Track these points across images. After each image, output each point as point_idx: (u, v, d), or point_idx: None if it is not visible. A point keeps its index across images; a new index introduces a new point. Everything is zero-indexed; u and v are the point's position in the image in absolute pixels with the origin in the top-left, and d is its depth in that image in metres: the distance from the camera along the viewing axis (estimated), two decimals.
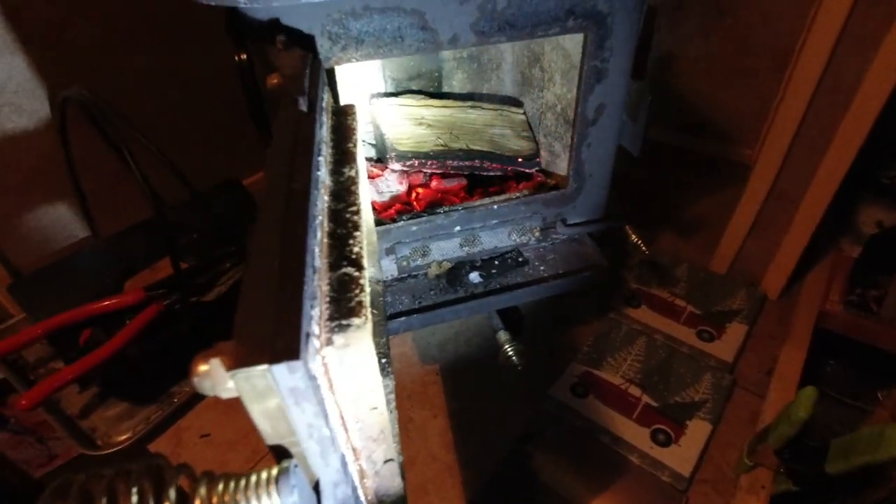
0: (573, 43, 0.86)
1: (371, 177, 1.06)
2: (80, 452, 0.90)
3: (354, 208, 0.43)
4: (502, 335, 0.88)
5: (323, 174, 0.44)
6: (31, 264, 1.14)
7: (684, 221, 1.37)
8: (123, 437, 0.93)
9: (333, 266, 0.37)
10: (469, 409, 0.97)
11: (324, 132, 0.50)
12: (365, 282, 0.37)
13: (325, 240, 0.39)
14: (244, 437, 0.95)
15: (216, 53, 1.27)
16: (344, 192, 0.44)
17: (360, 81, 1.14)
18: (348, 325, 0.33)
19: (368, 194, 0.67)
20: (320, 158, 0.45)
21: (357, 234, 0.40)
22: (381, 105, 1.09)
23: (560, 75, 0.95)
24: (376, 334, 0.65)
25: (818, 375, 1.06)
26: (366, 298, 0.36)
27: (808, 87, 0.91)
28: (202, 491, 0.28)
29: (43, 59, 1.02)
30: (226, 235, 1.17)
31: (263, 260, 0.34)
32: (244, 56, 0.67)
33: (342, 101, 0.73)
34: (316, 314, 0.32)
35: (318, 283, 0.35)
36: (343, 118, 0.56)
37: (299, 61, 0.56)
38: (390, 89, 1.13)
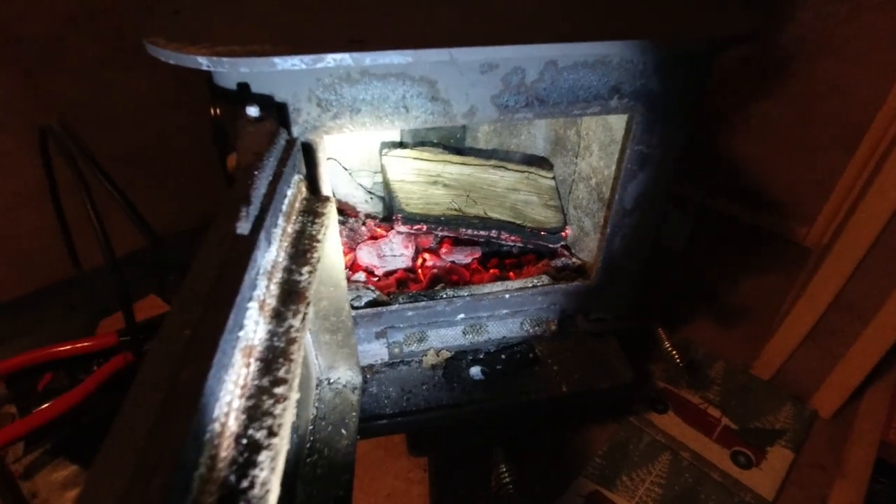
0: (617, 117, 0.73)
1: (374, 237, 0.95)
2: None
3: (282, 389, 0.31)
4: (498, 453, 0.74)
5: (249, 331, 0.32)
6: (12, 294, 1.06)
7: (724, 306, 1.21)
8: None
9: None
10: None
11: (272, 253, 0.38)
12: None
13: (223, 453, 0.27)
14: None
15: None
16: (277, 356, 0.33)
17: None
18: None
19: (342, 271, 0.56)
20: (251, 305, 0.33)
21: (273, 442, 0.28)
22: (393, 157, 0.98)
23: (598, 147, 0.82)
24: (337, 469, 0.53)
25: None
26: None
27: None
28: None
29: (34, 75, 0.95)
30: None
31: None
32: (219, 112, 0.57)
33: (334, 160, 0.63)
34: None
35: None
36: (310, 222, 0.44)
37: (265, 142, 0.45)
38: (406, 138, 1.02)
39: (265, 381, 0.31)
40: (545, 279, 0.83)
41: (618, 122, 0.73)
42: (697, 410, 0.98)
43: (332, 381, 0.64)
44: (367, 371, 0.80)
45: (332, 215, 0.47)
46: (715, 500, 0.85)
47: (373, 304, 0.77)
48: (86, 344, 0.95)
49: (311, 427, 0.59)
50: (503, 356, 0.82)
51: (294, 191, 0.46)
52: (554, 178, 1.01)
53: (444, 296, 0.78)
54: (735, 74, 1.26)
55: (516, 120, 0.63)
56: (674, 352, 0.83)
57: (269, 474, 0.27)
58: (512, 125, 1.03)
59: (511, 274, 0.91)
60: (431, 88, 0.57)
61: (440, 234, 0.93)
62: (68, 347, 0.94)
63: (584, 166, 0.89)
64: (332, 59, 0.47)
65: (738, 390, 1.01)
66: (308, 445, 0.58)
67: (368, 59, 0.48)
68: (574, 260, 0.92)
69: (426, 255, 0.93)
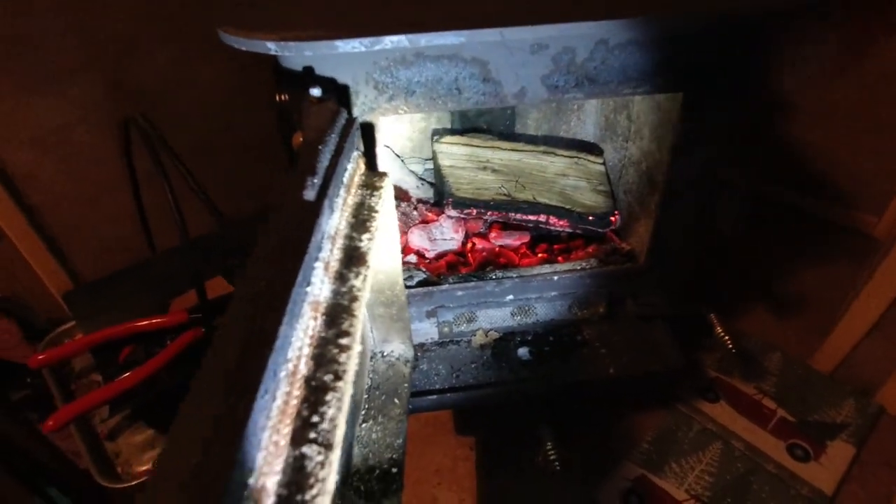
0: (669, 97, 0.73)
1: (426, 221, 0.98)
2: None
3: (346, 340, 0.33)
4: (545, 431, 0.76)
5: (315, 288, 0.35)
6: (94, 274, 1.16)
7: (783, 296, 1.17)
8: (144, 468, 0.90)
9: (295, 440, 0.28)
10: (501, 498, 0.86)
11: (335, 220, 0.41)
12: (330, 470, 0.27)
13: (296, 391, 0.30)
14: None
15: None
16: (340, 312, 0.35)
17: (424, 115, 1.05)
18: None
19: (397, 244, 0.58)
20: (317, 265, 0.36)
21: (339, 385, 0.31)
22: (444, 142, 1.00)
23: (649, 130, 0.82)
24: (391, 434, 0.56)
25: None
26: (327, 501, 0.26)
27: None
28: None
29: (115, 73, 1.03)
30: None
31: (188, 431, 0.25)
32: (285, 97, 0.61)
33: (387, 148, 0.66)
34: None
35: (262, 470, 0.26)
36: (369, 195, 0.47)
37: (327, 120, 0.48)
38: (456, 124, 1.04)
39: (331, 333, 0.34)
40: (594, 262, 0.84)
41: (670, 104, 0.72)
42: (751, 401, 0.95)
43: (385, 353, 0.67)
44: (418, 349, 0.83)
45: (388, 189, 0.49)
46: (769, 492, 0.83)
47: (424, 283, 0.79)
48: (160, 320, 1.03)
49: (365, 396, 0.63)
50: (551, 338, 0.83)
51: (353, 165, 0.49)
52: (604, 163, 1.00)
53: (494, 276, 0.79)
54: (799, 54, 1.21)
55: (566, 100, 0.63)
56: (726, 337, 0.81)
57: (337, 412, 0.30)
58: (561, 111, 1.03)
59: (560, 258, 0.91)
60: (483, 69, 0.58)
61: (490, 218, 0.95)
62: (145, 323, 1.02)
63: (634, 150, 0.88)
64: (389, 42, 0.50)
65: (797, 382, 0.98)
66: (363, 412, 0.61)
67: (424, 39, 0.51)
68: (623, 245, 0.91)
69: (475, 240, 0.95)
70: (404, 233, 0.94)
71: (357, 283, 0.37)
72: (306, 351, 0.32)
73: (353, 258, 0.39)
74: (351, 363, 0.32)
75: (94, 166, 1.07)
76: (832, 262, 1.22)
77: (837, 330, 0.96)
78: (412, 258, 0.90)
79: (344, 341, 0.33)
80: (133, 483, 0.88)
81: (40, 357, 0.98)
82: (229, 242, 1.11)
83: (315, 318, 0.34)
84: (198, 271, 0.94)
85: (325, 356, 0.33)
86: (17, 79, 0.95)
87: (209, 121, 1.18)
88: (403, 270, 0.81)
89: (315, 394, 0.30)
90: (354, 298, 0.36)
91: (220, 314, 1.01)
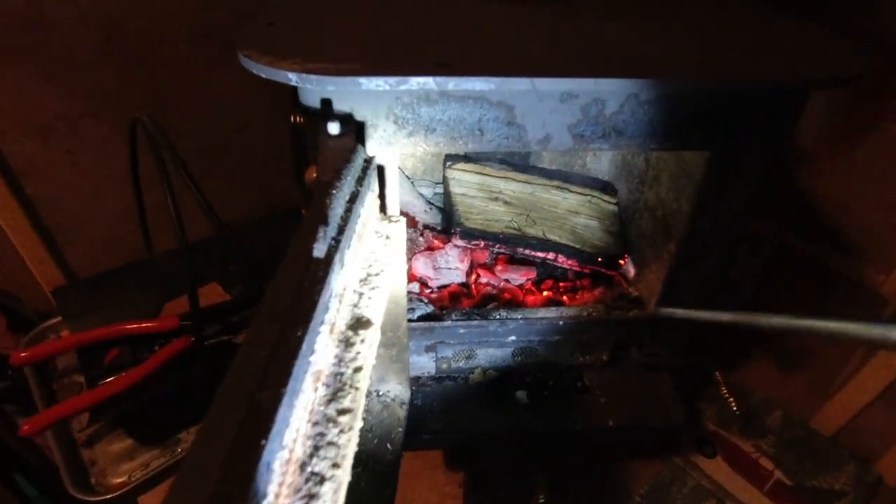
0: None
1: (431, 248, 0.95)
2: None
3: (347, 419, 0.31)
4: (540, 480, 0.73)
5: (319, 355, 0.33)
6: (89, 272, 1.13)
7: (787, 350, 1.14)
8: (119, 480, 0.87)
9: None
10: None
11: (343, 276, 0.39)
12: None
13: (290, 478, 0.28)
14: None
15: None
16: (343, 384, 0.33)
17: None
18: None
19: (404, 287, 0.56)
20: (322, 329, 0.34)
21: (337, 474, 0.28)
22: (456, 169, 0.98)
23: (668, 178, 0.80)
24: (381, 483, 0.54)
25: None
26: None
27: None
28: None
29: (132, 69, 1.01)
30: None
31: None
32: (301, 120, 0.59)
33: (398, 169, 0.63)
34: None
35: None
36: (381, 244, 0.45)
37: (343, 159, 0.46)
38: (470, 152, 1.01)
39: (331, 410, 0.32)
40: (600, 308, 0.81)
41: (693, 156, 0.70)
42: (749, 459, 0.93)
43: (380, 393, 0.65)
44: (414, 383, 0.80)
45: (401, 237, 0.47)
46: None
47: (426, 318, 0.77)
48: (150, 324, 1.00)
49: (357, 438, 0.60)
50: (551, 382, 0.81)
51: (367, 210, 0.46)
52: (617, 203, 0.98)
53: (498, 316, 0.77)
54: (821, 108, 1.19)
55: (590, 149, 0.61)
56: (731, 398, 0.79)
57: (338, 488, 0.27)
58: None
59: (565, 298, 0.89)
60: (508, 114, 0.56)
61: (497, 250, 0.93)
62: (134, 326, 0.99)
63: (651, 196, 0.86)
64: (415, 82, 0.48)
65: (796, 443, 0.96)
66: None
67: (451, 83, 0.49)
68: (632, 290, 0.89)
69: (480, 272, 0.93)
70: (408, 259, 0.92)
71: (363, 349, 0.35)
72: (304, 430, 0.30)
73: (360, 320, 0.37)
74: (351, 447, 0.30)
75: (99, 161, 1.05)
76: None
77: (842, 393, 0.94)
78: (415, 287, 0.87)
79: (344, 419, 0.31)
80: (107, 497, 0.85)
81: (23, 354, 0.95)
82: (227, 247, 1.09)
83: (316, 390, 0.32)
84: (194, 276, 0.91)
85: (324, 436, 0.30)
86: (30, 66, 0.92)
87: (223, 122, 1.16)
88: None
89: (309, 483, 0.28)
90: (359, 369, 0.34)
91: (212, 323, 0.98)
